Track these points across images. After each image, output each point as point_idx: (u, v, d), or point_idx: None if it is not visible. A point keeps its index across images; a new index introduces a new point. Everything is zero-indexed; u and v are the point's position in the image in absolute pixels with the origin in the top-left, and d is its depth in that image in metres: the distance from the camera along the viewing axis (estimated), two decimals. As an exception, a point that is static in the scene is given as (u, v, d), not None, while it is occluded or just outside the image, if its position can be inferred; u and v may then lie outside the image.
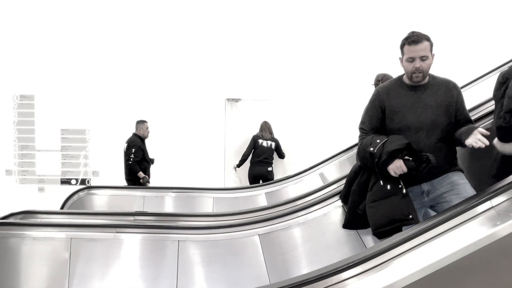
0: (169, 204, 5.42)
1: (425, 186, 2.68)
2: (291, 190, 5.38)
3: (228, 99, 8.03)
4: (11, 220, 3.69)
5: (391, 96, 2.74)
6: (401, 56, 2.74)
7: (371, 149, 2.60)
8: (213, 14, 7.72)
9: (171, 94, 7.74)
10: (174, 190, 5.55)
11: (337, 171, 5.32)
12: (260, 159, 7.35)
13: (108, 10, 7.68)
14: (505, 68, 3.15)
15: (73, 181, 7.79)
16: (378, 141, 2.61)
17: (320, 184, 4.77)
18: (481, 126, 3.00)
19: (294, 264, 3.30)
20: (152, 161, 6.82)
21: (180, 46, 7.72)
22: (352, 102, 7.69)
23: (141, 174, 6.50)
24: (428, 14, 7.36)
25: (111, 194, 5.54)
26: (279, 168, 7.60)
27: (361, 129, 2.86)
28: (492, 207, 1.89)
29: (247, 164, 7.53)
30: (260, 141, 7.43)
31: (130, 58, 7.68)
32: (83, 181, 7.76)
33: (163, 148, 7.51)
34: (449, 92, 2.70)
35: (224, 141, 7.98)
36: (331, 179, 4.58)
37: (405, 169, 2.51)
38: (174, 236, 3.30)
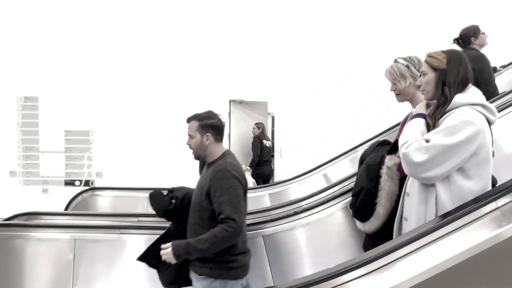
0: (172, 205, 5.41)
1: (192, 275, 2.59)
2: (295, 191, 5.36)
3: (231, 100, 8.04)
4: (15, 221, 3.71)
5: None
6: None
7: None
8: (217, 16, 7.73)
9: (174, 95, 7.74)
10: (177, 191, 5.55)
11: (341, 172, 5.30)
12: (266, 159, 7.51)
13: (111, 13, 7.70)
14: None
15: (77, 183, 7.81)
16: None
17: (324, 185, 4.75)
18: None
19: (298, 265, 3.30)
20: None
21: (184, 48, 7.73)
22: (353, 103, 7.70)
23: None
24: (427, 14, 7.36)
25: (115, 195, 5.55)
26: (279, 169, 7.62)
27: None
28: (498, 207, 1.87)
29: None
30: (264, 141, 7.56)
31: (134, 60, 7.70)
32: (87, 183, 7.78)
33: (166, 149, 7.52)
34: (209, 176, 2.50)
35: (227, 142, 7.99)
36: (334, 180, 4.58)
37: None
38: (178, 237, 3.30)
